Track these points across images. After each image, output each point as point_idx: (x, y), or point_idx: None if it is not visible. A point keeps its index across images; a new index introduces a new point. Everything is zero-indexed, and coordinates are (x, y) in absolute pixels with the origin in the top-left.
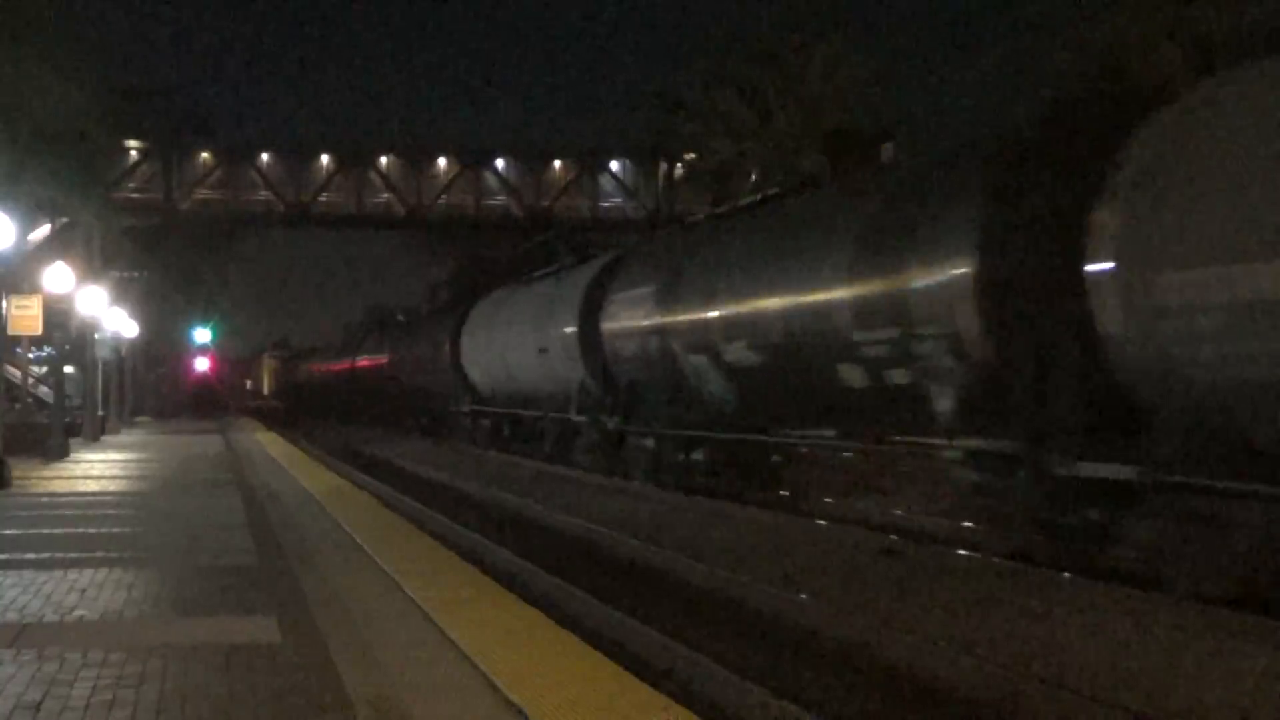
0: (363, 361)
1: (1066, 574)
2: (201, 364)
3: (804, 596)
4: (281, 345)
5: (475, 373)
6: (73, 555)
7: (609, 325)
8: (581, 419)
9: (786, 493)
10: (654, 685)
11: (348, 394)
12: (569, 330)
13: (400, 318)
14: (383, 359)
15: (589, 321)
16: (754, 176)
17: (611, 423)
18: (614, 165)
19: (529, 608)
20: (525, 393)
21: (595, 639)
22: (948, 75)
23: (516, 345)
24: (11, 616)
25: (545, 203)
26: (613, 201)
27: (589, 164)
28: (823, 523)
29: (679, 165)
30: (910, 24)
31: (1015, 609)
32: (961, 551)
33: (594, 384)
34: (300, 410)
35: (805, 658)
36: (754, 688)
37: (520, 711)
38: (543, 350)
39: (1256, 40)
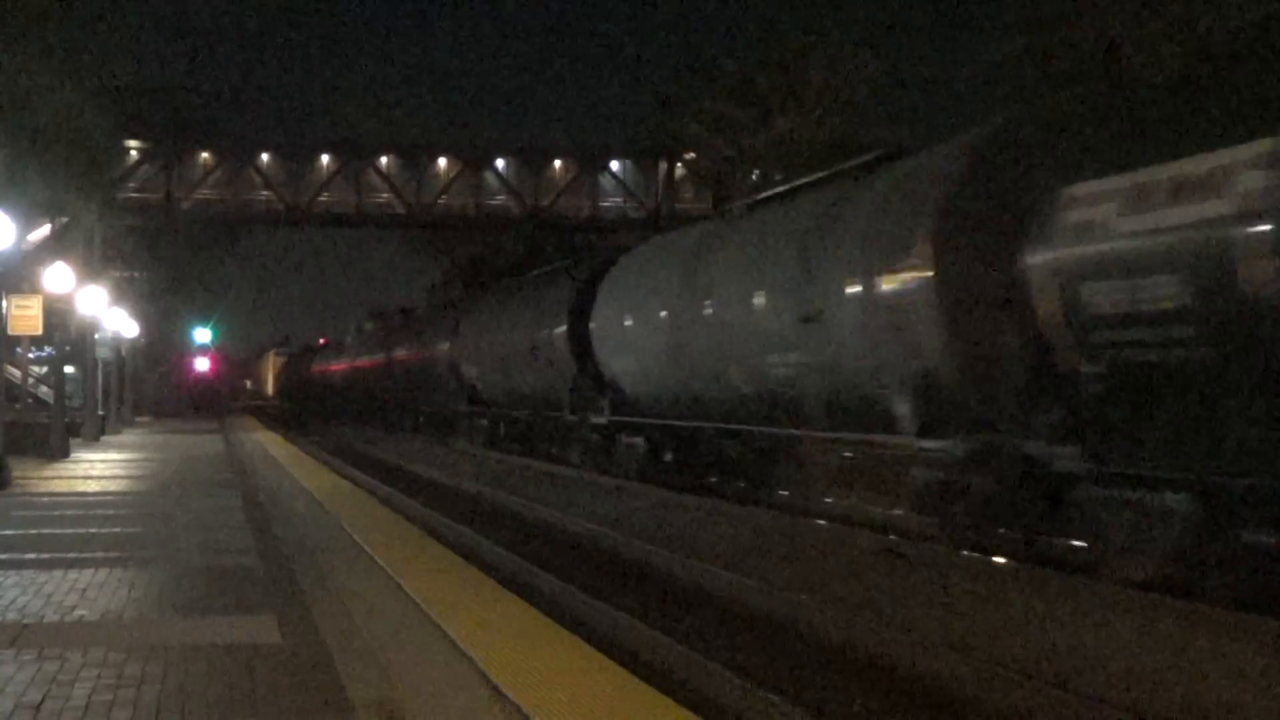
0: (401, 355)
1: (1066, 574)
2: (201, 364)
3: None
4: (286, 342)
5: (618, 366)
6: (73, 555)
7: (1070, 249)
8: (941, 447)
9: None
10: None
11: (379, 396)
12: (904, 278)
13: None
14: (438, 350)
15: (970, 257)
16: (754, 176)
17: (1077, 463)
18: (614, 165)
19: (529, 607)
20: (745, 394)
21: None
22: (948, 73)
23: (734, 320)
24: (12, 616)
25: (545, 202)
26: (613, 201)
27: (589, 164)
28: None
29: (679, 165)
30: (911, 22)
31: (1015, 609)
32: (962, 551)
33: (964, 376)
34: (313, 414)
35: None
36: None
37: (520, 711)
38: (808, 320)
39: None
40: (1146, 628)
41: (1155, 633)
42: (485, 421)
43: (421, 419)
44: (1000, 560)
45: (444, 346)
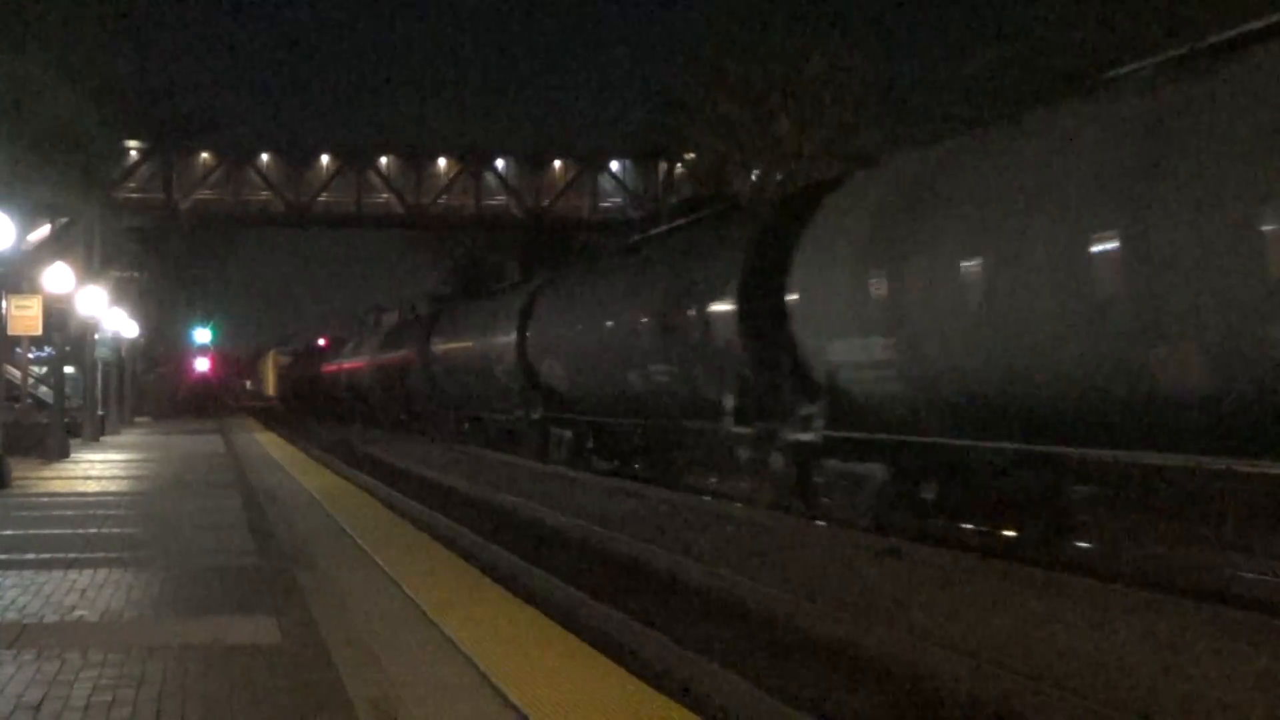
0: (443, 349)
1: (1067, 574)
2: (201, 364)
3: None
4: (285, 342)
5: (843, 354)
6: (73, 555)
7: None
8: None
9: None
10: (654, 685)
11: (411, 399)
12: None
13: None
14: (499, 343)
15: None
16: (754, 176)
17: None
18: (614, 165)
19: (529, 607)
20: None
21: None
22: (949, 74)
23: (1200, 258)
24: (11, 616)
25: (545, 203)
26: (612, 201)
27: (589, 164)
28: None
29: (679, 165)
30: (911, 23)
31: (1016, 609)
32: (962, 551)
33: None
34: (324, 417)
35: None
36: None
37: (520, 711)
38: None
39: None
40: (1147, 628)
41: (1155, 633)
42: (570, 433)
43: (467, 426)
44: (1001, 560)
45: (507, 339)
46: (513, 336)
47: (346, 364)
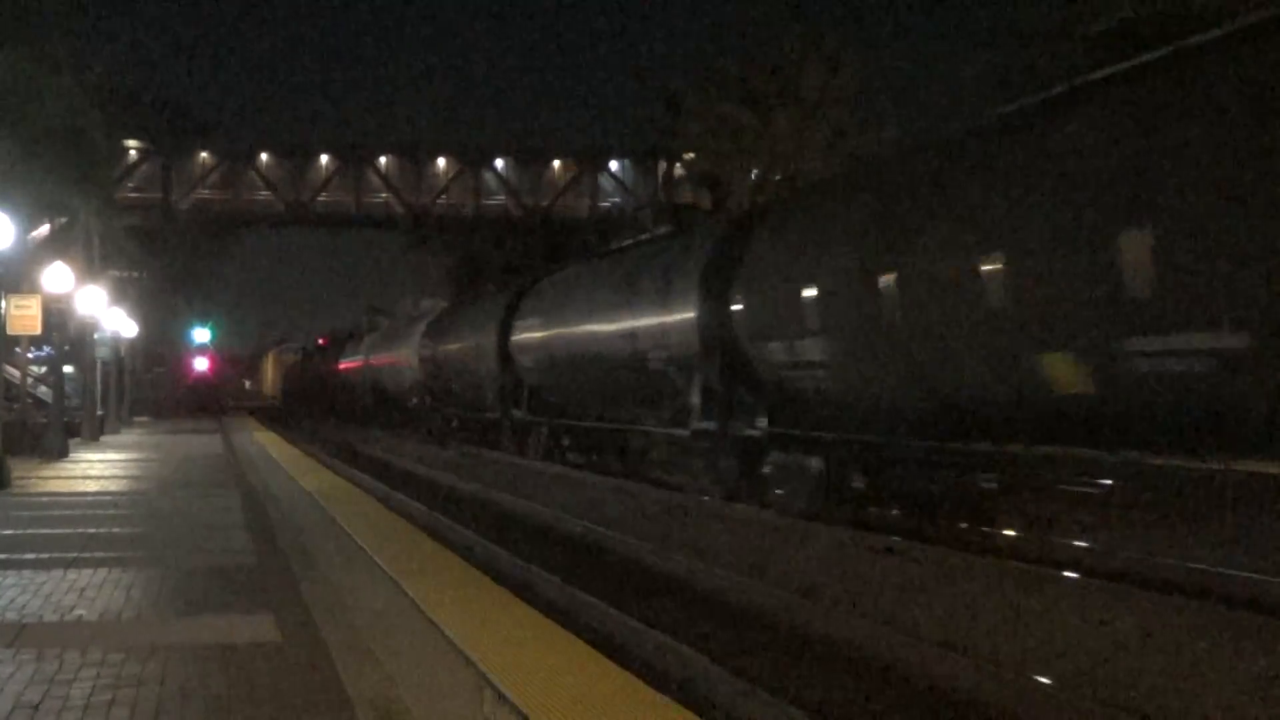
0: (535, 337)
1: (1068, 574)
2: (201, 364)
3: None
4: (284, 341)
5: None
6: (72, 555)
7: None
8: None
9: None
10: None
11: (477, 402)
12: None
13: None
14: (664, 323)
15: None
16: (754, 175)
17: None
18: (614, 165)
19: (529, 607)
20: None
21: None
22: (948, 73)
23: None
24: (11, 616)
25: (545, 202)
26: (612, 201)
27: (589, 164)
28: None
29: (679, 165)
30: (911, 23)
31: (1016, 609)
32: (961, 551)
33: None
34: (333, 420)
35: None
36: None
37: (520, 711)
38: None
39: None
40: (1147, 628)
41: (1155, 633)
42: (818, 461)
43: (567, 440)
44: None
45: (675, 316)
46: (689, 311)
47: (374, 359)
